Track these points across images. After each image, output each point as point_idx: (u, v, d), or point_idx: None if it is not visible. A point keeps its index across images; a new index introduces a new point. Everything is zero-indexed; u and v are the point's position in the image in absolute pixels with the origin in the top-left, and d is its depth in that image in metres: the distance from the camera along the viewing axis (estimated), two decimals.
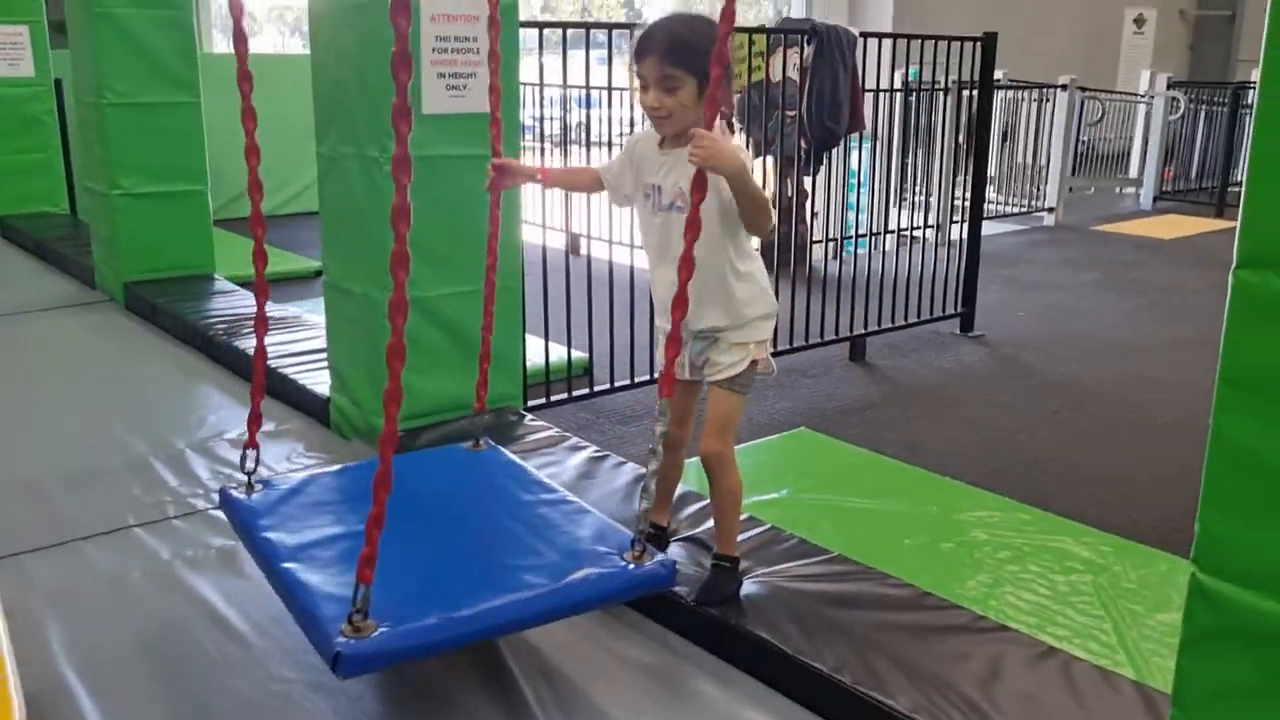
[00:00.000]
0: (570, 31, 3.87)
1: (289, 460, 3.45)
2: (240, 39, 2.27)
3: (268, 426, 3.73)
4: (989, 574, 2.86)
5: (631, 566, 2.05)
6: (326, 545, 2.14)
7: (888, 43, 5.08)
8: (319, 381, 3.87)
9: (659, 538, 2.57)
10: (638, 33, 2.29)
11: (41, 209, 7.40)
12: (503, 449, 2.72)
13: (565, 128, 4.09)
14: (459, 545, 2.18)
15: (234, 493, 2.40)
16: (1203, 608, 1.56)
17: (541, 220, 4.52)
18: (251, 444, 2.42)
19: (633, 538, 2.10)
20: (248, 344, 4.37)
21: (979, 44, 5.22)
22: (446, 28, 3.16)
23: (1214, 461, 1.52)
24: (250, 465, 2.40)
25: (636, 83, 2.24)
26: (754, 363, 2.33)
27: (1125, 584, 2.81)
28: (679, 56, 2.15)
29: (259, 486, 2.40)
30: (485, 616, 1.88)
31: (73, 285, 5.90)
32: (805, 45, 5.26)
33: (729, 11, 1.84)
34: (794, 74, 5.41)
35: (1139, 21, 15.98)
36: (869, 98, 5.57)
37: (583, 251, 5.24)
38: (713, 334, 2.32)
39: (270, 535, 2.19)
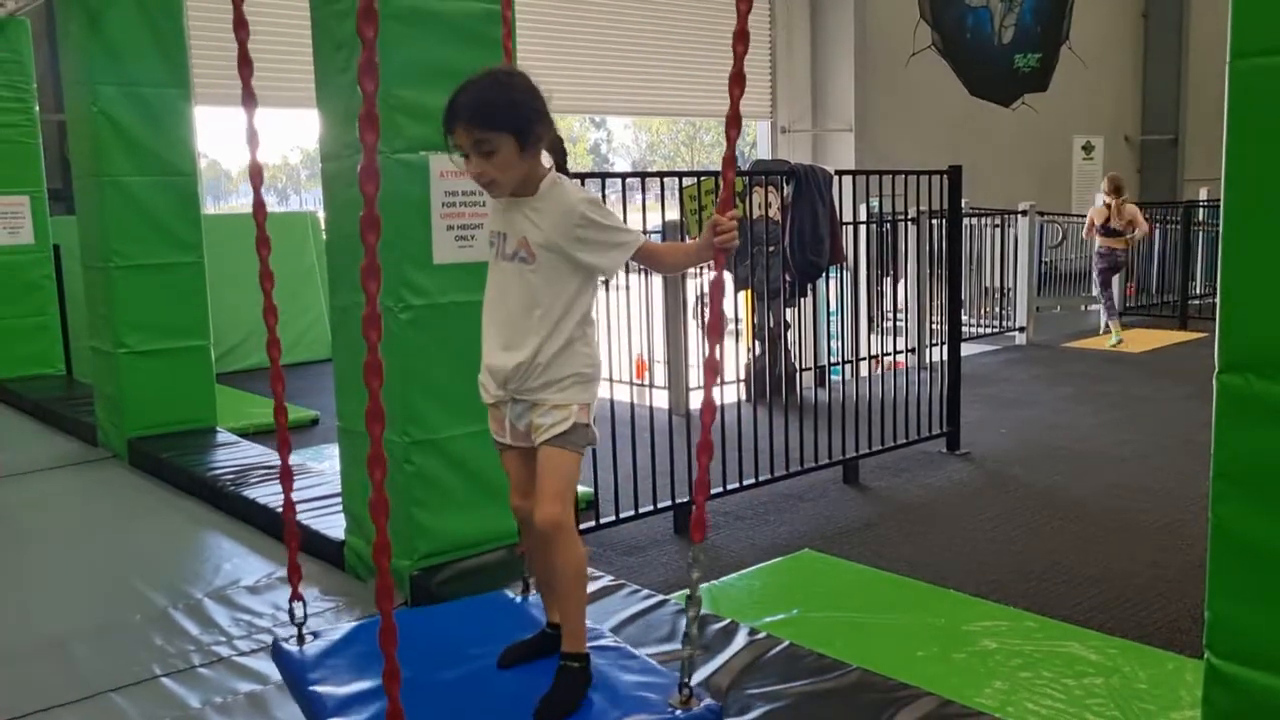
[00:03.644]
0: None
1: (307, 606, 3.49)
2: (259, 206, 2.31)
3: (280, 573, 3.79)
4: (1003, 681, 2.94)
5: (679, 713, 2.05)
6: (376, 700, 2.13)
7: (852, 178, 5.39)
8: (331, 526, 3.94)
9: (554, 638, 2.30)
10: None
11: (39, 371, 7.52)
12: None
13: None
14: (503, 692, 2.20)
15: (286, 645, 2.43)
16: (1219, 692, 1.67)
17: None
18: (296, 596, 2.45)
19: (679, 682, 2.09)
20: (256, 493, 4.46)
21: (946, 176, 5.53)
22: (455, 183, 3.36)
23: (1216, 550, 1.65)
24: (300, 616, 2.43)
25: (459, 157, 2.17)
26: (581, 425, 2.20)
27: (1137, 685, 2.89)
28: (486, 118, 2.08)
29: (309, 637, 2.44)
30: None
31: (74, 444, 5.96)
32: (785, 184, 5.55)
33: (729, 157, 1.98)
34: (775, 213, 5.69)
35: (1087, 149, 16.73)
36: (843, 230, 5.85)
37: None
38: (532, 395, 2.19)
39: (319, 689, 2.22)
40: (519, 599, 2.70)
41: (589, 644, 2.25)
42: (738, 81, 1.91)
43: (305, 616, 2.45)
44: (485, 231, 2.35)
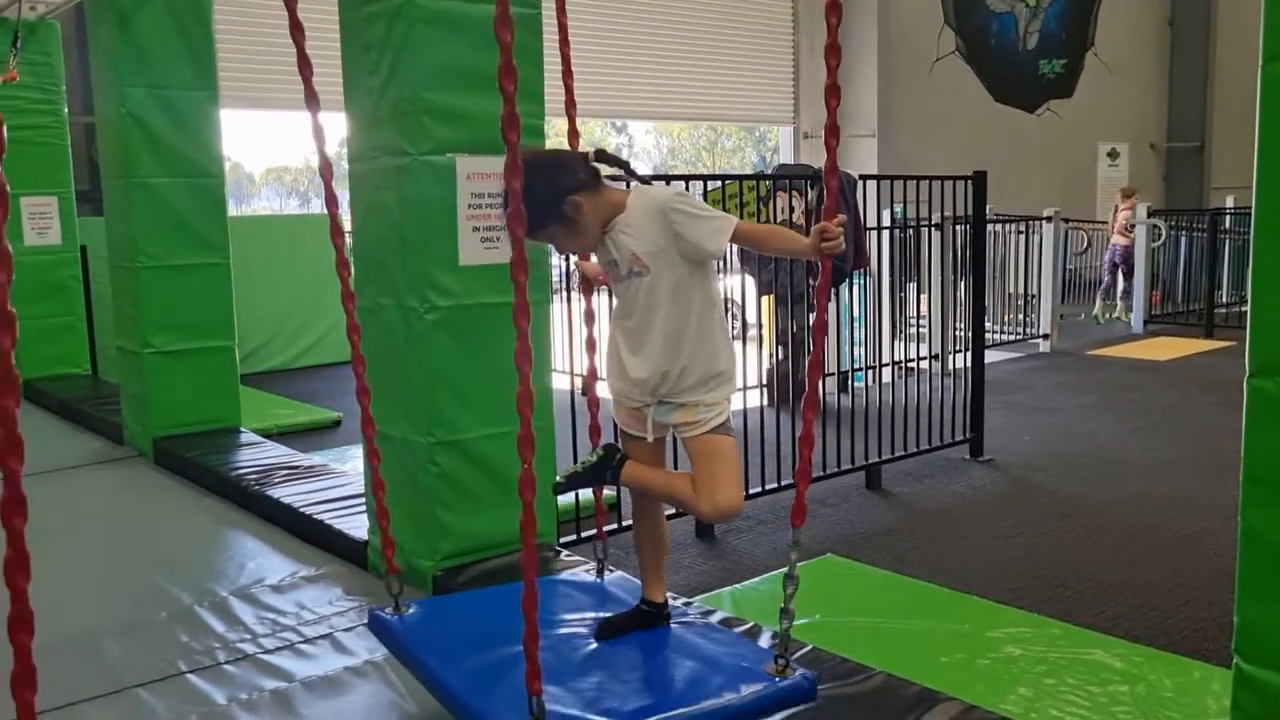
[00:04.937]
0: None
1: (330, 604, 3.51)
2: (331, 199, 2.52)
3: (305, 571, 3.82)
4: (1028, 688, 2.92)
5: (777, 680, 2.18)
6: (491, 660, 2.31)
7: (876, 183, 5.38)
8: (354, 526, 3.96)
9: (655, 615, 2.52)
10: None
11: (65, 370, 7.59)
12: (626, 575, 2.90)
13: None
14: (611, 661, 2.32)
15: (384, 613, 2.62)
16: (1248, 696, 1.65)
17: (566, 366, 4.70)
18: (393, 569, 2.65)
19: (775, 653, 2.24)
20: (280, 493, 4.49)
21: (969, 182, 5.51)
22: (481, 185, 3.38)
23: (1245, 555, 1.64)
24: (396, 588, 2.63)
25: None
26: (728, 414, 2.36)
27: (1162, 693, 2.87)
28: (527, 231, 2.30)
29: (406, 607, 2.62)
30: None
31: (100, 443, 6.01)
32: (809, 189, 5.55)
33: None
34: (799, 218, 5.68)
35: (1112, 155, 16.64)
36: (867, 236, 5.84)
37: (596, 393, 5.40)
38: (684, 397, 2.31)
39: (434, 652, 2.39)
40: (595, 579, 2.92)
41: (683, 618, 2.55)
42: (833, 93, 2.05)
43: (401, 588, 2.64)
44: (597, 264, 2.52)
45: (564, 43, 2.90)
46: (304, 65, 2.29)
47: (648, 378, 2.30)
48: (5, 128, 1.28)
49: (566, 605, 2.67)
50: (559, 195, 2.25)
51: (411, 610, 2.62)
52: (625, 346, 2.34)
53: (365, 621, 3.01)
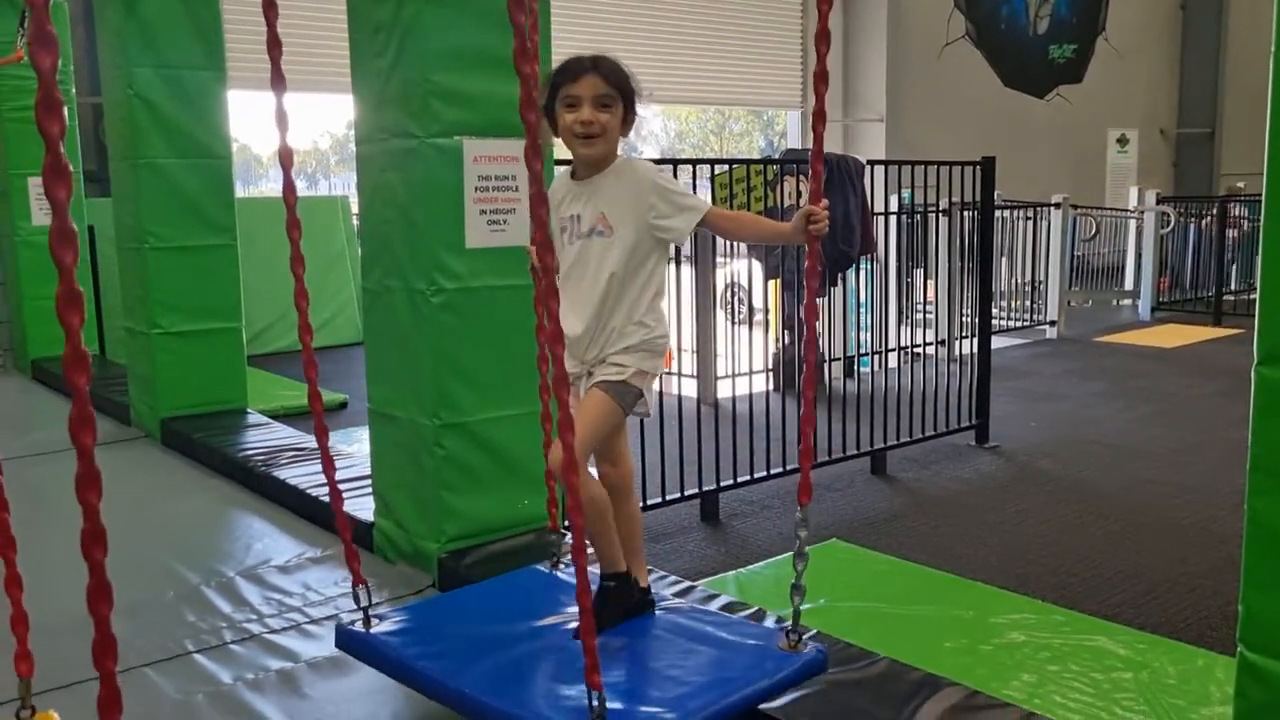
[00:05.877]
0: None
1: (336, 585, 3.52)
2: (289, 188, 2.41)
3: (311, 552, 3.83)
4: (1031, 674, 2.93)
5: (794, 655, 2.23)
6: (501, 660, 2.26)
7: (884, 168, 5.36)
8: (360, 508, 3.96)
9: (644, 600, 2.53)
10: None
11: None
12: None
13: None
14: (626, 654, 2.30)
15: (354, 628, 2.51)
16: (1252, 685, 1.65)
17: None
18: (359, 580, 2.50)
19: (786, 630, 2.30)
20: (286, 474, 4.50)
21: (978, 167, 5.49)
22: (488, 168, 3.37)
23: (1251, 543, 1.64)
24: (365, 601, 2.49)
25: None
26: (633, 385, 2.32)
27: (1166, 680, 2.87)
28: (616, 79, 2.31)
29: (375, 621, 2.51)
30: (703, 711, 2.04)
31: (107, 423, 6.02)
32: None
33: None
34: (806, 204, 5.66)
35: (1122, 141, 16.56)
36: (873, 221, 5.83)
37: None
38: (604, 366, 2.34)
39: (433, 660, 2.29)
40: (549, 571, 2.87)
41: (690, 610, 2.55)
42: (822, 79, 2.06)
43: (370, 601, 2.52)
44: (555, 220, 2.42)
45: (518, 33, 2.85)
46: (273, 46, 2.24)
47: (582, 334, 2.32)
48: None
49: (542, 601, 2.64)
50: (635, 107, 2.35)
51: (384, 622, 2.52)
52: (569, 308, 2.29)
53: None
